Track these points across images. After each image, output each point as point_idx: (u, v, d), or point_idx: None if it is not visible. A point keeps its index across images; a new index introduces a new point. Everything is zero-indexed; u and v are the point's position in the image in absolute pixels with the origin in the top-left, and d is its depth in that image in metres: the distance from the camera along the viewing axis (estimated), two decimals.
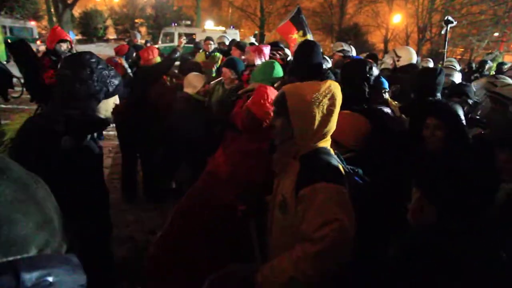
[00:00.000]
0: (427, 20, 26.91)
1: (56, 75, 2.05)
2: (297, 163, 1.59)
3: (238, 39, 20.10)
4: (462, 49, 29.83)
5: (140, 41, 9.28)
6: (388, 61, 5.09)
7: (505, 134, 1.59)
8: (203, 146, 3.27)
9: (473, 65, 13.25)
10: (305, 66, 3.05)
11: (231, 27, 20.47)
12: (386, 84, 3.11)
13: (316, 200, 1.40)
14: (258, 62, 4.02)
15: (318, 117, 1.57)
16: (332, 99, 1.59)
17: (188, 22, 22.68)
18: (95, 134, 2.01)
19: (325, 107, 1.57)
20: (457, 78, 4.33)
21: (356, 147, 2.02)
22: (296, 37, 7.92)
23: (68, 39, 5.04)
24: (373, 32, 34.61)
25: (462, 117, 2.20)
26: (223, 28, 21.10)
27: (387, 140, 2.20)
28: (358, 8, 34.23)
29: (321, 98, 1.57)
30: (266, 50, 4.28)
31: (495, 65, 15.75)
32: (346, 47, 6.30)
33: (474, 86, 3.51)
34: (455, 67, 6.29)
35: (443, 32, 8.34)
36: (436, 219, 1.17)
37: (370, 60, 3.39)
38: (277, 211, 1.63)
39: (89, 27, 26.44)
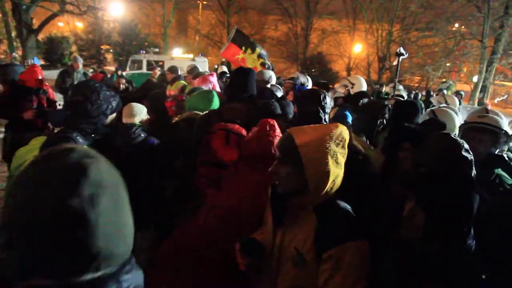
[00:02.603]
0: (386, 51, 28.46)
1: (69, 100, 2.39)
2: (311, 216, 1.51)
3: (206, 66, 20.32)
4: (419, 77, 31.71)
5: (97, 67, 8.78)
6: (340, 90, 5.33)
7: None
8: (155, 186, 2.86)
9: (432, 93, 14.22)
10: (241, 92, 3.05)
11: (200, 55, 20.73)
12: (349, 118, 3.23)
13: (344, 260, 1.39)
14: None
15: (333, 169, 1.48)
16: (344, 146, 1.52)
17: (157, 50, 22.71)
18: None
19: (338, 156, 1.49)
20: None
21: None
22: (243, 56, 7.96)
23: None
24: (336, 61, 36.09)
25: None
26: (191, 56, 21.29)
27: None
28: (322, 38, 35.72)
29: (334, 147, 1.48)
30: (213, 78, 4.35)
31: (449, 93, 16.95)
32: (302, 77, 6.61)
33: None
34: (403, 96, 6.74)
35: (394, 63, 8.95)
36: (423, 225, 1.32)
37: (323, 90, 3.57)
38: (289, 265, 1.53)
39: (54, 53, 25.86)
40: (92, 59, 29.38)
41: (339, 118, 3.11)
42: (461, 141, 1.83)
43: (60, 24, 32.16)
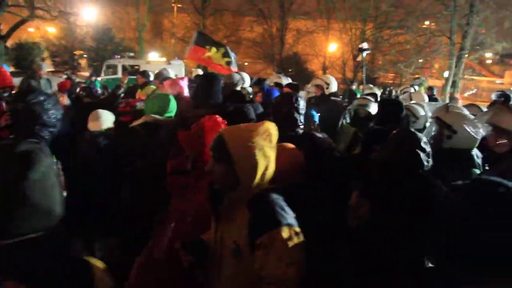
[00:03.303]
0: None
1: (18, 108, 2.27)
2: (245, 208, 1.61)
3: (183, 70, 20.26)
4: (393, 74, 32.44)
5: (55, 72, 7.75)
6: (312, 90, 5.30)
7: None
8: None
9: (395, 92, 14.62)
10: (207, 99, 3.12)
11: (176, 58, 20.58)
12: (316, 117, 3.30)
13: (274, 245, 1.49)
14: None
15: (261, 161, 1.60)
16: (271, 140, 1.65)
17: (132, 54, 22.43)
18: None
19: (265, 149, 1.62)
20: (373, 109, 4.54)
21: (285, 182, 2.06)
22: (210, 54, 8.10)
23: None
24: (312, 60, 36.49)
25: None
26: (165, 59, 21.10)
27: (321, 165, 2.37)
28: (297, 38, 36.04)
29: (261, 142, 1.60)
30: (183, 82, 4.41)
31: (422, 88, 17.41)
32: (284, 79, 6.71)
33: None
34: (376, 94, 6.67)
35: (358, 59, 9.06)
36: (369, 215, 1.44)
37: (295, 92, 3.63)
38: (229, 257, 1.63)
39: (25, 59, 25.07)
40: (65, 65, 28.73)
41: (305, 118, 3.20)
42: (420, 134, 1.96)
43: (31, 29, 31.27)
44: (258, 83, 5.98)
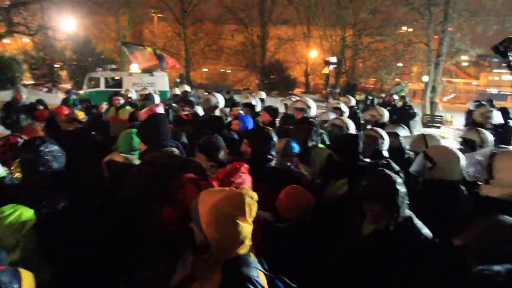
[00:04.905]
0: (341, 55, 29.42)
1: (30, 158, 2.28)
2: (218, 272, 1.55)
3: (166, 80, 20.12)
4: (375, 79, 33.08)
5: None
6: (295, 114, 5.02)
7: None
8: None
9: (385, 98, 14.96)
10: (154, 137, 2.85)
11: (158, 69, 20.37)
12: (297, 149, 3.27)
13: None
14: None
15: (230, 229, 1.54)
16: (242, 209, 1.57)
17: (114, 66, 22.02)
18: None
19: (236, 218, 1.55)
20: (351, 128, 4.52)
21: (296, 219, 2.24)
22: (146, 51, 10.93)
23: None
24: (294, 67, 36.89)
25: None
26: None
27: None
28: (278, 46, 36.41)
29: (228, 209, 1.56)
30: (159, 109, 4.45)
31: (403, 93, 17.84)
32: (253, 100, 6.77)
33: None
34: (341, 109, 6.20)
35: (324, 71, 9.27)
36: None
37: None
38: None
39: (4, 74, 24.28)
40: (45, 78, 28.18)
41: (288, 150, 3.16)
42: (394, 176, 2.07)
43: (6, 41, 30.49)
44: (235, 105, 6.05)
